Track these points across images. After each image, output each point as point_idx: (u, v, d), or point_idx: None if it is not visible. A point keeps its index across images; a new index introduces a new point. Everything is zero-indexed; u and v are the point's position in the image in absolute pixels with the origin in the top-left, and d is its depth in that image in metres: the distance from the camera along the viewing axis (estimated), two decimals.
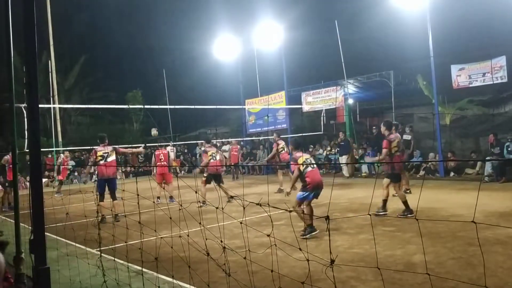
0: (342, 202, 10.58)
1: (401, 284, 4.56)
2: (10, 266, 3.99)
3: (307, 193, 7.22)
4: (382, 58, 19.86)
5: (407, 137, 17.55)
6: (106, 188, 9.62)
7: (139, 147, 12.45)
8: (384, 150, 8.83)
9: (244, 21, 22.68)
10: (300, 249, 2.50)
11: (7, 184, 13.08)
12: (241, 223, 3.08)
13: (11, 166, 13.27)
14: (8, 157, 13.01)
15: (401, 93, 18.26)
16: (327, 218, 2.39)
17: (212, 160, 11.46)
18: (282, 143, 13.61)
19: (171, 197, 11.86)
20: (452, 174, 15.14)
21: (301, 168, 7.35)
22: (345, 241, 6.56)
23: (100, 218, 8.72)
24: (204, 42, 25.32)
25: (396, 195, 8.98)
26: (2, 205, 13.03)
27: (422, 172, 15.90)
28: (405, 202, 8.34)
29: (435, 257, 5.46)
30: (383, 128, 9.05)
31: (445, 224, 7.30)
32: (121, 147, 11.12)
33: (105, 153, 9.74)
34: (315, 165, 7.58)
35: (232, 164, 19.85)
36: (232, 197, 9.94)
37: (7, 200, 13.00)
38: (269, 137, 22.90)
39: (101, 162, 9.57)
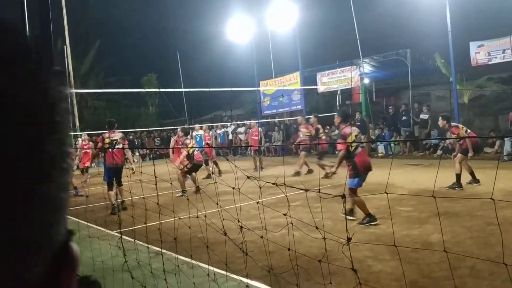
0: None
1: (418, 263, 4.57)
2: None
3: (358, 178, 6.36)
4: (398, 36, 19.48)
5: (424, 116, 17.36)
6: (113, 178, 9.05)
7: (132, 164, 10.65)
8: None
9: (258, 1, 22.44)
10: (316, 228, 2.52)
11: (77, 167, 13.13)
12: (257, 203, 3.11)
13: (87, 150, 13.34)
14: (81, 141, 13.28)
15: (418, 71, 17.98)
16: (343, 196, 2.41)
17: (195, 153, 11.00)
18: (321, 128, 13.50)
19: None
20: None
21: (351, 147, 6.26)
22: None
23: (111, 209, 8.58)
24: (218, 23, 25.16)
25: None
26: (75, 189, 12.11)
27: (439, 152, 15.74)
28: (471, 173, 9.09)
29: (452, 236, 5.45)
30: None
31: (462, 204, 7.26)
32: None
33: (113, 140, 9.11)
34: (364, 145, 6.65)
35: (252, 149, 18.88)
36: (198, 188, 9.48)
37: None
38: (284, 118, 22.86)
39: (109, 149, 9.01)
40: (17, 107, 0.31)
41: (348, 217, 6.00)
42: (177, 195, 7.98)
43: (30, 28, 4.03)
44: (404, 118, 17.97)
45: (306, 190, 2.31)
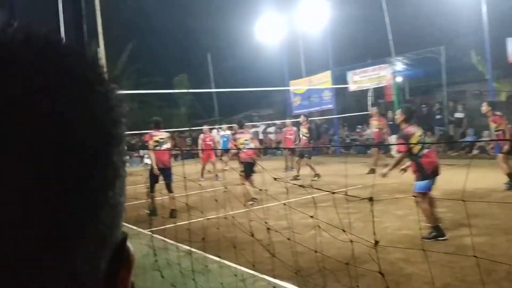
0: (391, 183, 10.35)
1: (452, 266, 4.45)
2: None
3: (427, 181, 5.72)
4: (432, 33, 19.00)
5: (459, 115, 16.89)
6: (159, 179, 8.63)
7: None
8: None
9: (288, 0, 22.35)
10: (343, 231, 2.48)
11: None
12: (284, 204, 3.09)
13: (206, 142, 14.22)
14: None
15: (453, 69, 17.50)
16: (370, 199, 2.36)
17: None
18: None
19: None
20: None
21: (416, 149, 5.68)
22: (394, 222, 6.46)
23: (150, 210, 8.37)
24: (248, 23, 25.22)
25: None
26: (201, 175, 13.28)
27: (475, 151, 15.27)
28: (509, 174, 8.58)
29: (488, 239, 5.27)
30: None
31: (499, 205, 7.02)
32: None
33: (161, 138, 8.73)
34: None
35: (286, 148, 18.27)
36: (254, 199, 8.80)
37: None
38: (314, 118, 22.70)
39: (156, 148, 8.57)
40: (95, 124, 0.37)
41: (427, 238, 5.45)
42: (249, 202, 7.85)
43: (65, 32, 4.15)
44: (438, 117, 17.54)
45: (333, 193, 2.28)
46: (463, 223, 6.11)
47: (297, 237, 4.74)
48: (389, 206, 7.55)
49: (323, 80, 21.72)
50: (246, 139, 9.80)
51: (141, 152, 14.22)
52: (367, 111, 19.08)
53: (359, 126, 20.68)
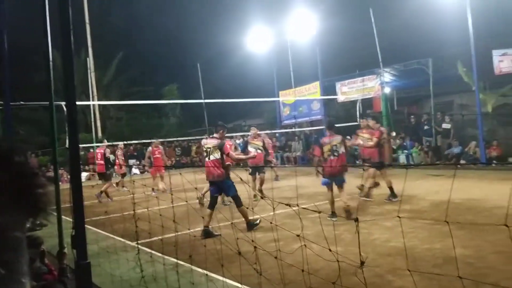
0: (380, 193, 10.39)
1: (439, 278, 4.45)
2: (54, 260, 4.16)
3: (326, 179, 8.06)
4: (419, 45, 19.24)
5: (446, 126, 17.05)
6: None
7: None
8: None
9: (277, 11, 22.53)
10: (330, 250, 2.48)
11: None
12: (271, 223, 3.08)
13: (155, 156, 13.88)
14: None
15: (440, 80, 17.70)
16: (356, 220, 2.36)
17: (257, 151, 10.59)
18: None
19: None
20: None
21: (325, 155, 7.95)
22: (382, 234, 6.46)
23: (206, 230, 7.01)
24: (238, 34, 25.33)
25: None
26: (153, 190, 13.03)
27: (462, 161, 15.41)
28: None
29: (476, 251, 5.30)
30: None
31: (487, 216, 7.08)
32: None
33: (208, 147, 7.58)
34: None
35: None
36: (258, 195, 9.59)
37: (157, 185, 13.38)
38: (303, 128, 22.77)
39: (206, 159, 7.60)
40: None
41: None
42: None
43: (55, 40, 4.11)
44: (426, 127, 17.70)
45: (319, 212, 2.27)
46: (449, 234, 6.13)
47: (286, 249, 4.72)
48: (378, 217, 7.57)
49: (312, 91, 21.85)
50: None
51: (130, 161, 14.16)
52: (356, 121, 19.19)
53: (348, 137, 20.74)
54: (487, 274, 4.46)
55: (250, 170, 10.88)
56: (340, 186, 7.98)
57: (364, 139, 9.77)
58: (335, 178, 7.96)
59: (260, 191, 10.65)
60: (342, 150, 8.07)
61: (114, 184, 14.37)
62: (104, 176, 13.23)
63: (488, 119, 16.91)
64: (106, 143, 14.05)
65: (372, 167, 9.56)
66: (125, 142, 16.66)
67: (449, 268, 4.65)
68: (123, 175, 15.83)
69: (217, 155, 7.41)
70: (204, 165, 7.63)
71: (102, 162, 13.25)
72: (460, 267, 4.16)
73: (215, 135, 7.71)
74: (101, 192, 12.55)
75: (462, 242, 5.58)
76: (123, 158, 15.04)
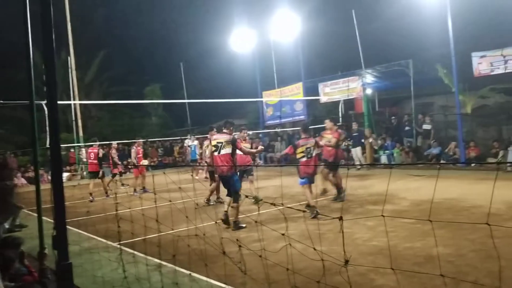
0: (361, 193, 10.50)
1: (420, 276, 4.52)
2: (34, 261, 4.10)
3: (304, 179, 8.34)
4: (400, 47, 19.51)
5: (427, 126, 17.30)
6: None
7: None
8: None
9: (261, 12, 22.57)
10: (314, 249, 2.50)
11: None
12: (255, 222, 3.09)
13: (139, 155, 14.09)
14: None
15: (421, 82, 17.96)
16: (340, 218, 2.39)
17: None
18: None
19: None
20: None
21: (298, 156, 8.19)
22: (364, 233, 6.52)
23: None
24: (221, 34, 25.31)
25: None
26: (135, 190, 13.31)
27: (442, 161, 15.65)
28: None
29: (456, 249, 5.39)
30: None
31: (466, 216, 7.21)
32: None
33: (219, 142, 7.70)
34: None
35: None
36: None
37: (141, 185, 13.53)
38: (286, 129, 22.83)
39: (215, 153, 7.81)
40: None
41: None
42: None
43: (36, 39, 4.05)
44: (407, 128, 17.92)
45: (304, 211, 2.29)
46: (430, 234, 6.23)
47: (270, 248, 4.73)
48: (360, 216, 7.64)
49: (295, 92, 21.95)
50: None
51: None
52: (338, 122, 19.33)
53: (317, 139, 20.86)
54: (467, 272, 4.55)
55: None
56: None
57: (327, 140, 9.85)
58: (312, 178, 8.48)
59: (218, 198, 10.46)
60: (315, 152, 8.74)
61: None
62: (97, 175, 13.35)
63: (468, 120, 17.22)
64: (98, 142, 14.18)
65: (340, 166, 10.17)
66: (108, 142, 16.57)
67: (430, 266, 4.74)
68: (120, 173, 16.53)
69: (228, 149, 7.60)
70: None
71: (96, 161, 13.31)
72: (441, 265, 4.24)
73: (224, 130, 7.84)
74: (105, 190, 13.31)
75: (443, 241, 5.67)
76: (117, 157, 15.16)
